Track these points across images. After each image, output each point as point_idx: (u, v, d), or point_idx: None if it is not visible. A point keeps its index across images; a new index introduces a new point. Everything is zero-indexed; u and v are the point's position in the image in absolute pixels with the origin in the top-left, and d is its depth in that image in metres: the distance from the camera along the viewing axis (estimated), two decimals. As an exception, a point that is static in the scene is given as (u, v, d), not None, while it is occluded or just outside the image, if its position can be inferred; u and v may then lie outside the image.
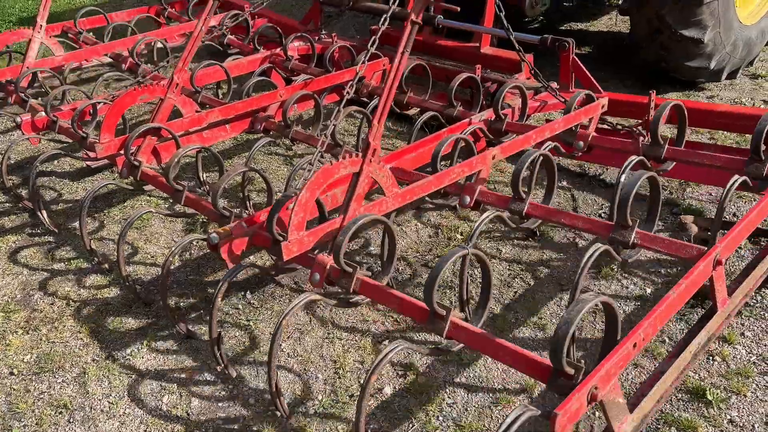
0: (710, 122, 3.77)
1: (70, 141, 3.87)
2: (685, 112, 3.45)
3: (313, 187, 2.55)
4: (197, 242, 3.48)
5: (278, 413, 2.47)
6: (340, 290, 2.64)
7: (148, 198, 3.98)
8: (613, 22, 6.58)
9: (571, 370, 1.92)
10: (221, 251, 2.60)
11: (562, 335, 1.88)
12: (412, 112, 4.49)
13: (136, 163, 3.29)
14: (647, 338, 2.13)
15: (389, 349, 2.09)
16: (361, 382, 2.70)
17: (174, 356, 2.87)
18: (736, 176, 2.66)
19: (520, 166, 2.90)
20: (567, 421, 1.78)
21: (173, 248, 2.82)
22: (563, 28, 6.63)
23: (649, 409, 2.15)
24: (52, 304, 3.23)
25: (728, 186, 2.62)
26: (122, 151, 3.33)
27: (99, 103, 3.69)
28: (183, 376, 2.77)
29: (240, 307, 3.14)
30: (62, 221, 3.87)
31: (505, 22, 3.74)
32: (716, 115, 3.69)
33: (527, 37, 4.24)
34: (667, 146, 3.33)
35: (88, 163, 4.03)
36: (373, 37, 2.82)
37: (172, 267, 3.40)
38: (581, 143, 3.53)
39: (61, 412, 2.63)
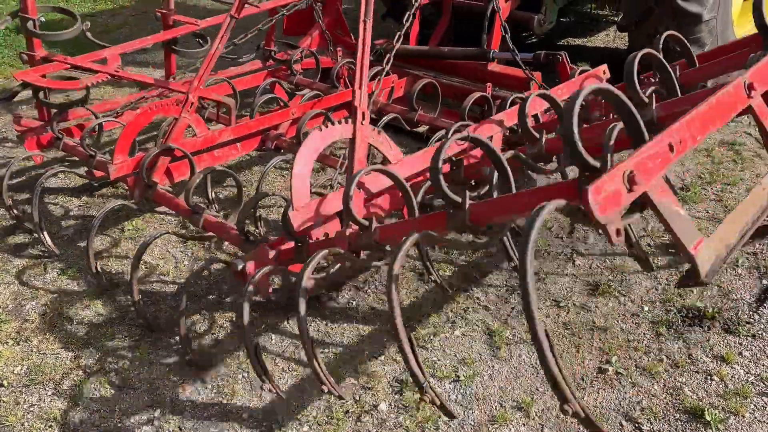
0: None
1: (76, 158, 3.82)
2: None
3: (307, 153, 2.78)
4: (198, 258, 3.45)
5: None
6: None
7: (152, 216, 3.94)
8: (611, 38, 6.61)
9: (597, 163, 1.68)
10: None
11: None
12: (422, 129, 4.48)
13: (151, 183, 3.26)
14: (684, 145, 1.76)
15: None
16: (357, 398, 2.67)
17: (167, 369, 2.83)
18: None
19: None
20: (602, 200, 1.50)
21: (189, 276, 2.75)
22: (561, 43, 6.66)
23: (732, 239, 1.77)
24: (43, 315, 3.18)
25: None
26: (135, 172, 3.30)
27: (106, 120, 3.66)
28: (177, 390, 2.74)
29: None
30: (56, 231, 3.83)
31: (510, 43, 3.76)
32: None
33: (523, 55, 4.25)
34: None
35: (93, 180, 4.00)
36: (388, 56, 2.90)
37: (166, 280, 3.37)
38: None
39: (51, 426, 2.59)
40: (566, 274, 3.33)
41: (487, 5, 4.82)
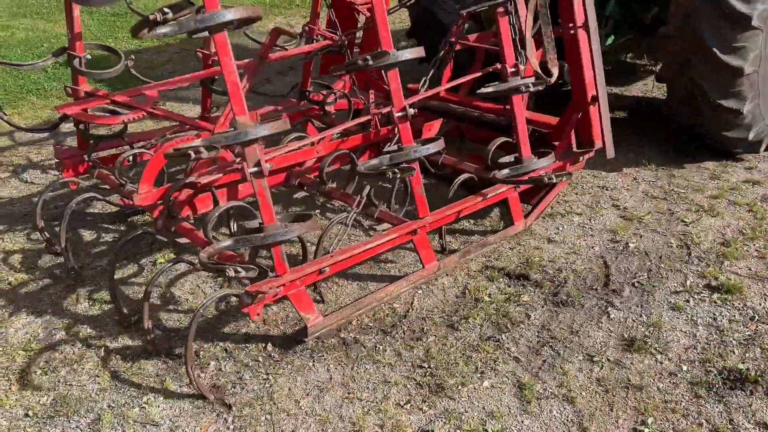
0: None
1: (108, 186, 3.91)
2: None
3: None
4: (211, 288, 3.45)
5: None
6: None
7: (184, 249, 3.99)
8: (649, 88, 6.57)
9: None
10: (251, 311, 2.61)
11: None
12: (447, 172, 4.46)
13: (174, 214, 3.30)
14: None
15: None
16: (380, 447, 2.60)
17: (190, 407, 2.81)
18: None
19: None
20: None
21: (199, 307, 2.76)
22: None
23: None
24: (72, 345, 3.20)
25: None
26: (160, 202, 3.36)
27: (138, 152, 3.73)
28: (198, 429, 2.70)
29: (260, 359, 3.08)
30: (89, 261, 3.89)
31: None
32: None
33: None
34: None
35: (124, 208, 4.07)
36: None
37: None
38: None
39: (71, 460, 2.57)
40: (600, 328, 3.24)
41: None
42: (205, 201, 3.59)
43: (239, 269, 2.55)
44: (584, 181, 4.75)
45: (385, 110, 3.47)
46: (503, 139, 3.99)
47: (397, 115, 3.14)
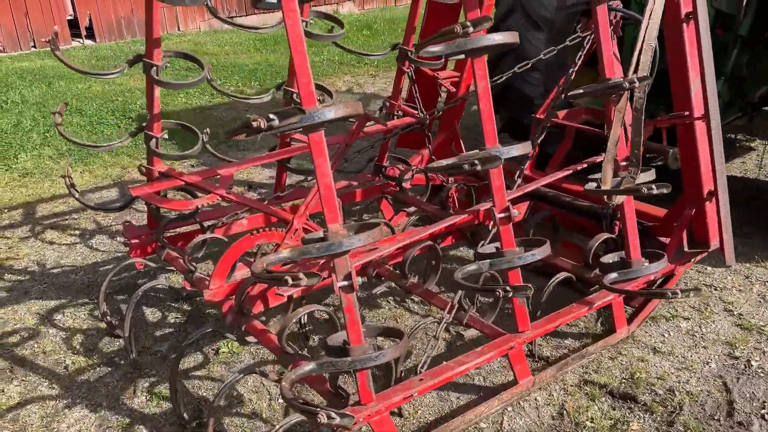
0: None
1: (173, 269, 3.68)
2: None
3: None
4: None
5: None
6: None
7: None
8: (748, 167, 6.05)
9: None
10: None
11: None
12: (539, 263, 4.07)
13: (245, 312, 3.03)
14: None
15: None
16: None
17: None
18: None
19: None
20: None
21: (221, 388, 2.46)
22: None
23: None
24: (127, 453, 2.92)
25: None
26: (232, 298, 3.09)
27: (210, 236, 3.50)
28: None
29: None
30: (149, 345, 3.63)
31: None
32: None
33: None
34: None
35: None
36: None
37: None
38: None
39: None
40: (730, 475, 2.75)
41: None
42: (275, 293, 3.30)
43: (333, 415, 2.20)
44: (688, 277, 4.26)
45: (484, 207, 3.12)
46: (607, 236, 3.58)
47: (499, 216, 2.79)
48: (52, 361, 3.55)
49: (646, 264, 3.30)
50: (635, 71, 2.94)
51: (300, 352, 2.85)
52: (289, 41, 2.16)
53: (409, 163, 4.75)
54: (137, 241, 3.77)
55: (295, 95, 3.96)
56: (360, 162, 4.98)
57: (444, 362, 2.86)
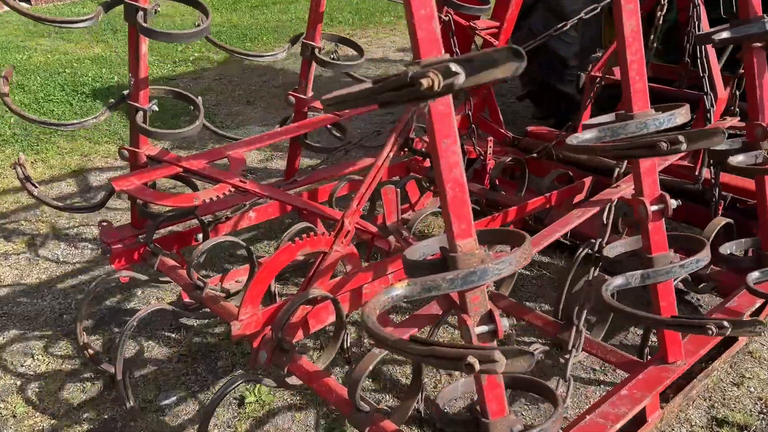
0: None
1: (169, 281, 2.81)
2: None
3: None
4: None
5: None
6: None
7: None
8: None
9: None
10: None
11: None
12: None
13: (286, 347, 2.19)
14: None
15: None
16: None
17: None
18: None
19: None
20: None
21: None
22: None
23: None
24: None
25: None
26: (268, 329, 2.25)
27: (224, 240, 2.62)
28: None
29: None
30: (152, 398, 2.76)
31: None
32: None
33: None
34: None
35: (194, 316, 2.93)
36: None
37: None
38: None
39: None
40: None
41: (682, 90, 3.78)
42: (320, 314, 2.46)
43: None
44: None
45: (620, 193, 2.34)
46: (726, 221, 2.86)
47: (652, 209, 2.02)
48: (26, 430, 2.62)
49: (790, 258, 2.60)
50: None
51: (378, 407, 2.03)
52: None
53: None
54: (120, 246, 2.88)
55: (316, 50, 3.09)
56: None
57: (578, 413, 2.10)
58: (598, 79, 3.76)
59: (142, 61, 2.49)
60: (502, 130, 4.26)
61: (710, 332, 1.71)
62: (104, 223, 2.97)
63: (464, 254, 1.49)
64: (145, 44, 2.47)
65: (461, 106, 3.99)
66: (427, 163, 3.84)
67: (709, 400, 2.71)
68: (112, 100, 2.67)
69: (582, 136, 1.86)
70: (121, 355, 2.48)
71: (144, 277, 2.84)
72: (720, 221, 2.85)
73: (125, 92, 2.62)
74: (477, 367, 1.11)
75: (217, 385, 2.78)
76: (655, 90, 3.75)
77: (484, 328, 1.52)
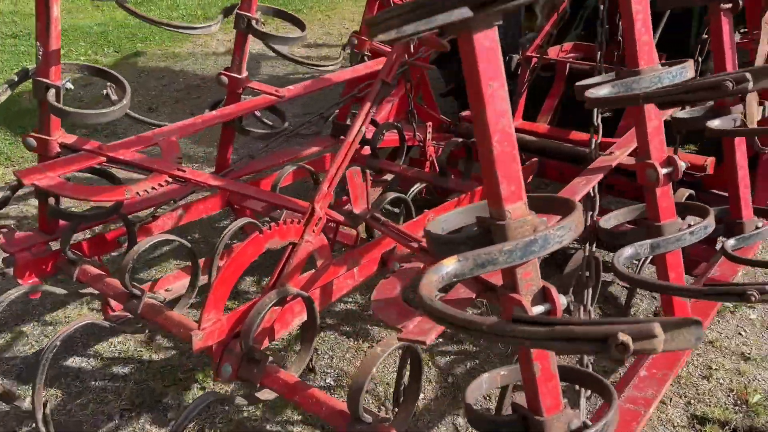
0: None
1: (95, 292, 2.36)
2: None
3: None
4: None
5: None
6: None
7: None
8: None
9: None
10: None
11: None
12: None
13: (258, 357, 1.85)
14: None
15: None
16: None
17: None
18: None
19: None
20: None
21: None
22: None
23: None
24: None
25: None
26: (237, 338, 1.89)
27: (161, 238, 2.21)
28: None
29: None
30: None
31: None
32: None
33: None
34: None
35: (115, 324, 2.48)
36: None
37: None
38: None
39: None
40: None
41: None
42: (285, 316, 2.13)
43: None
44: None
45: (619, 158, 2.18)
46: (689, 192, 2.81)
47: (663, 171, 1.88)
48: None
49: (760, 224, 2.58)
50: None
51: (379, 414, 1.75)
52: None
53: (375, 120, 3.66)
54: (27, 254, 2.39)
55: (253, 21, 2.75)
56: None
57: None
58: (535, 60, 3.70)
59: (53, 26, 2.05)
60: (439, 116, 4.10)
61: (753, 298, 1.58)
62: (4, 229, 2.47)
63: (515, 221, 1.24)
64: (56, 5, 2.03)
65: (398, 88, 3.79)
66: (367, 150, 3.59)
67: (684, 396, 2.61)
68: (13, 77, 2.19)
69: (598, 92, 1.67)
70: (40, 384, 2.02)
71: (62, 291, 2.36)
72: (683, 192, 2.80)
73: (31, 67, 2.16)
74: (631, 347, 0.87)
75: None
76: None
77: (540, 308, 1.28)
